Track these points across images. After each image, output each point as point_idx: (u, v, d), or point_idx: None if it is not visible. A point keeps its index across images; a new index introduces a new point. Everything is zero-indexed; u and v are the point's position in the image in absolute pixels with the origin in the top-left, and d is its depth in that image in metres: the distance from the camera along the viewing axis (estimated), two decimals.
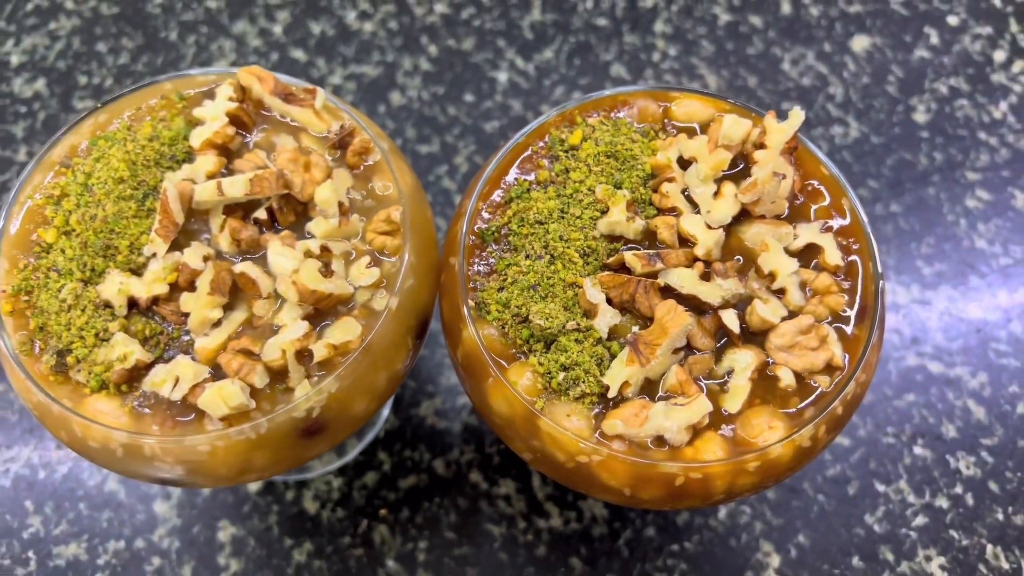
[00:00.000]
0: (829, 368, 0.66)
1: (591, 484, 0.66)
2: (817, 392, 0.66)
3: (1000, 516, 0.93)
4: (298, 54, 1.17)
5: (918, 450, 0.96)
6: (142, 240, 0.68)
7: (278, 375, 0.66)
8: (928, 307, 1.03)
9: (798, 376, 0.66)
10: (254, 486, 0.94)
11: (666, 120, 0.76)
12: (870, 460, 0.96)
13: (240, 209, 0.71)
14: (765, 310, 0.66)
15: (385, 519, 0.93)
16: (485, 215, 0.72)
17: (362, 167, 0.73)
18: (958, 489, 0.94)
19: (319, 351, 0.65)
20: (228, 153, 0.73)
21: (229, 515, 0.93)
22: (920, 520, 0.93)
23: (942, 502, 0.94)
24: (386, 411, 0.97)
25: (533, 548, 0.92)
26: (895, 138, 1.12)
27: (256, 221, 0.70)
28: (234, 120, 0.73)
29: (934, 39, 1.18)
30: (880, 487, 0.94)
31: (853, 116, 1.13)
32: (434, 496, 0.94)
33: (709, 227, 0.69)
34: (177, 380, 0.64)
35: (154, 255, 0.68)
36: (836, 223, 0.72)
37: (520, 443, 0.67)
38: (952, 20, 1.20)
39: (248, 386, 0.64)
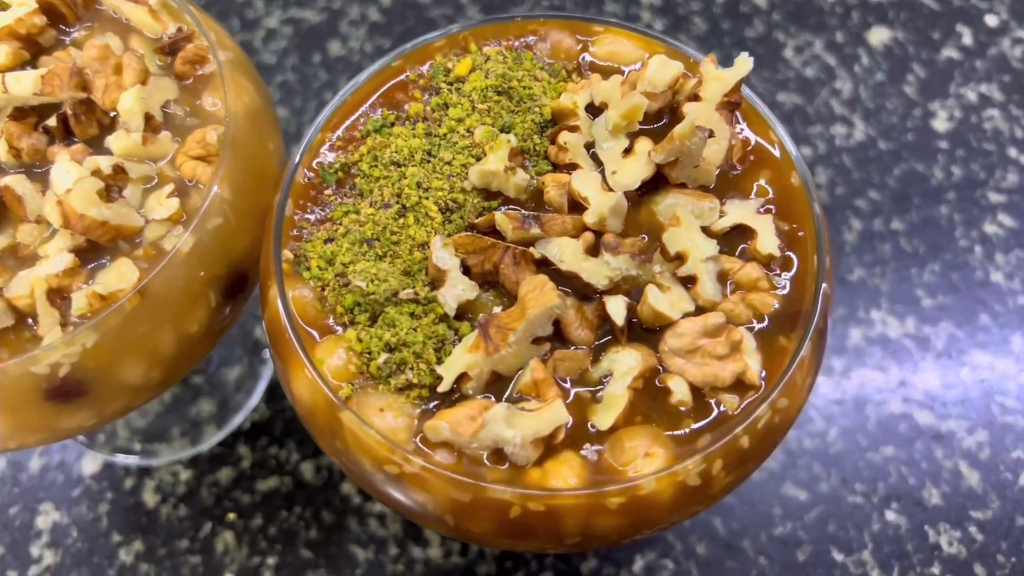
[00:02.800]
0: (740, 385, 0.50)
1: (406, 504, 0.50)
2: (717, 414, 0.49)
3: None
4: None
5: (891, 515, 0.78)
6: None
7: (27, 316, 0.51)
8: (924, 345, 0.85)
9: (696, 391, 0.50)
10: (89, 467, 0.80)
11: (584, 58, 0.60)
12: (829, 521, 0.78)
13: (35, 116, 0.57)
14: (660, 300, 0.50)
15: (233, 525, 0.78)
16: (328, 154, 0.57)
17: (192, 78, 0.59)
18: (935, 569, 0.76)
19: (79, 300, 0.51)
20: (37, 49, 0.60)
21: (55, 498, 0.79)
22: None
23: None
24: (255, 398, 0.82)
25: None
26: (907, 145, 0.95)
27: (47, 130, 0.56)
28: (48, 9, 0.59)
29: (967, 39, 1.01)
30: (838, 556, 0.77)
31: (860, 116, 0.96)
32: (295, 505, 0.79)
33: (609, 190, 0.53)
34: None
35: None
36: (778, 205, 0.55)
37: (325, 442, 0.52)
38: (991, 20, 1.02)
39: None
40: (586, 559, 0.77)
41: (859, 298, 0.87)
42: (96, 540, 0.78)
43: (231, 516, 0.78)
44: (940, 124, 0.96)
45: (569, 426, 0.49)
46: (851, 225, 0.90)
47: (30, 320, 0.52)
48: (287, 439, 0.81)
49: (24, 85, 0.55)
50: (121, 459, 0.80)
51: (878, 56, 1.00)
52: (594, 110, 0.58)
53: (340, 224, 0.54)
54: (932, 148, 0.95)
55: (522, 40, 0.60)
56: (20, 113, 0.57)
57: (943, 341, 0.85)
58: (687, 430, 0.49)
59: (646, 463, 0.48)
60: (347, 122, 0.57)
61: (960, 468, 0.80)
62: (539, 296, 0.49)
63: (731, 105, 0.56)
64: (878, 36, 1.01)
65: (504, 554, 0.77)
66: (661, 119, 0.57)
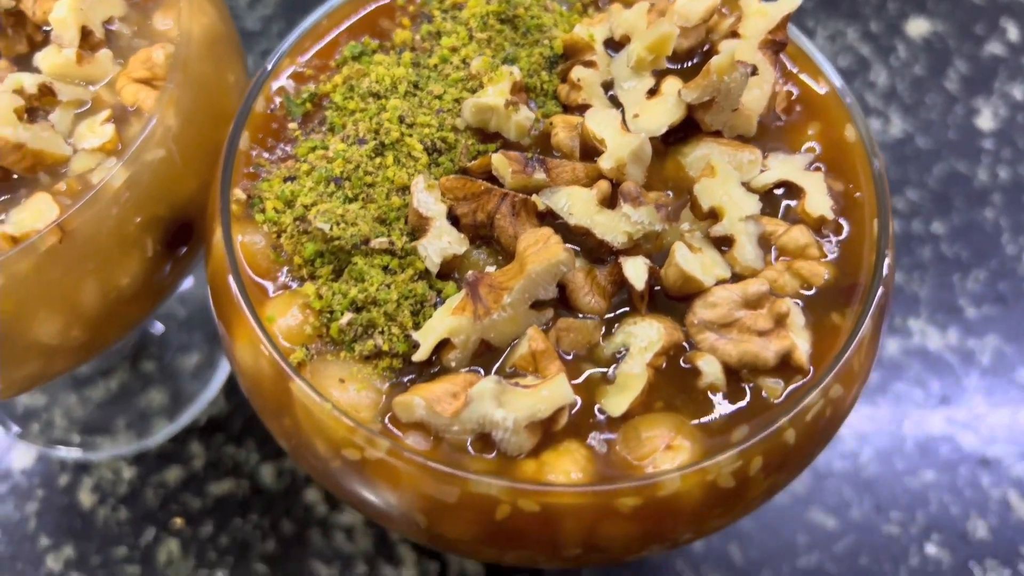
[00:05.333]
0: (784, 368, 0.40)
1: (369, 496, 0.40)
2: (757, 402, 0.40)
3: None
4: None
5: (931, 549, 0.68)
6: None
7: None
8: (969, 360, 0.76)
9: (731, 373, 0.40)
10: (21, 460, 0.70)
11: None
12: (861, 553, 0.68)
13: None
14: (690, 261, 0.41)
15: (179, 532, 0.68)
16: (295, 84, 0.48)
17: None
18: None
19: None
20: None
21: None
22: None
23: None
24: (213, 390, 0.72)
25: None
26: (948, 144, 0.86)
27: None
28: None
29: (1012, 34, 0.93)
30: None
31: (897, 110, 0.88)
32: (251, 512, 0.69)
33: (628, 131, 0.44)
34: None
35: None
36: (830, 163, 0.46)
37: (272, 421, 0.42)
38: None
39: None
40: None
41: (896, 305, 0.78)
42: (21, 543, 0.68)
43: (178, 522, 0.68)
44: (984, 122, 0.88)
45: (574, 410, 0.39)
46: None
47: None
48: (246, 437, 0.72)
49: None
50: (59, 452, 0.70)
51: (917, 49, 0.92)
52: (614, 47, 0.49)
53: (304, 162, 0.45)
54: (976, 147, 0.86)
55: None
56: None
57: (989, 356, 0.76)
58: (719, 419, 0.39)
59: (668, 457, 0.38)
60: (319, 46, 0.48)
61: (1009, 498, 0.70)
62: (542, 250, 0.40)
63: (776, 45, 0.47)
64: (916, 28, 0.93)
65: (489, 574, 0.67)
66: (692, 59, 0.49)
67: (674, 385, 0.40)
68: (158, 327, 0.75)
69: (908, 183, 0.84)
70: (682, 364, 0.41)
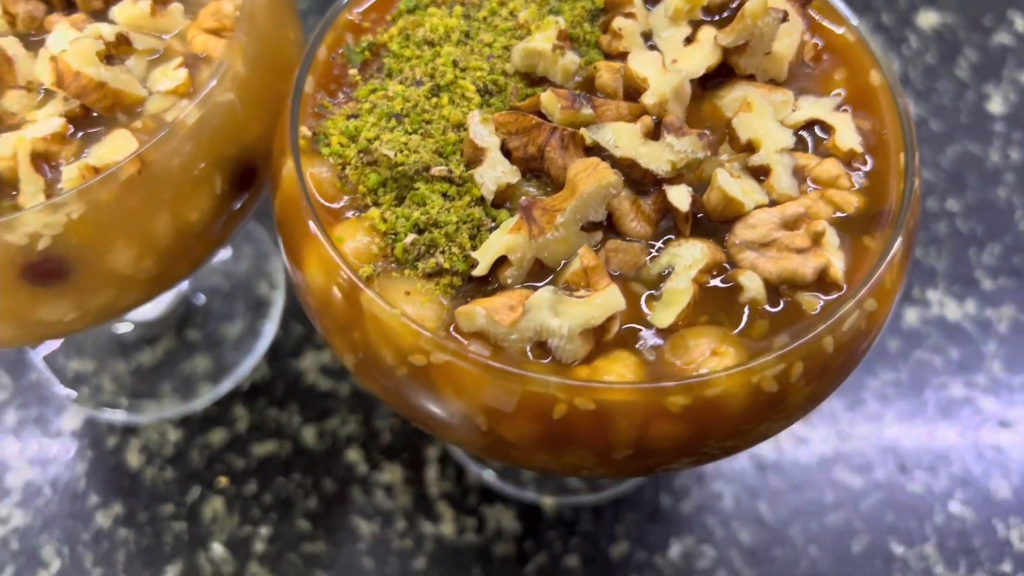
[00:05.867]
0: (821, 284, 0.43)
1: (431, 403, 0.43)
2: (796, 315, 0.42)
3: None
4: None
5: (955, 507, 0.70)
6: None
7: (7, 186, 0.45)
8: (987, 329, 0.78)
9: (772, 289, 0.43)
10: (70, 423, 0.73)
11: None
12: (887, 511, 0.70)
13: None
14: (731, 184, 0.44)
15: (224, 491, 0.70)
16: (350, 36, 0.51)
17: None
18: (1006, 567, 0.68)
19: (70, 172, 0.45)
20: None
21: (30, 455, 0.71)
22: None
23: None
24: (256, 356, 0.75)
25: (410, 558, 0.68)
26: (960, 127, 0.89)
27: (47, 1, 0.51)
28: None
29: (1020, 25, 0.96)
30: (897, 548, 0.68)
31: (910, 96, 0.91)
32: (294, 472, 0.71)
33: (669, 71, 0.47)
34: None
35: None
36: (856, 106, 0.49)
37: (339, 337, 0.45)
38: None
39: None
40: (616, 542, 0.69)
41: (914, 276, 0.80)
42: (72, 501, 0.70)
43: (222, 481, 0.71)
44: (995, 107, 0.91)
45: (623, 326, 0.42)
46: None
47: (12, 191, 0.45)
48: (288, 401, 0.74)
49: None
50: (106, 414, 0.72)
51: (928, 39, 0.95)
52: (651, 2, 0.52)
53: (366, 102, 0.48)
54: (987, 130, 0.89)
55: None
56: None
57: (1007, 326, 0.78)
58: (760, 330, 0.42)
59: (714, 362, 0.41)
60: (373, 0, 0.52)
61: None
62: (592, 173, 0.43)
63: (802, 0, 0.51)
64: (927, 19, 0.97)
65: (525, 532, 0.69)
66: (723, 12, 0.52)
67: (717, 303, 0.43)
68: (200, 298, 0.78)
69: (922, 164, 0.87)
70: (723, 284, 0.43)
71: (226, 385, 0.74)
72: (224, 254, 0.80)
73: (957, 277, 0.81)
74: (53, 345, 0.76)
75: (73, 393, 0.73)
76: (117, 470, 0.71)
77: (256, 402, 0.74)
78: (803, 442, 0.73)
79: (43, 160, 0.45)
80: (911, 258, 0.46)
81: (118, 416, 0.72)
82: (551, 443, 0.42)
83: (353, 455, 0.72)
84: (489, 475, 0.71)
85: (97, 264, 0.46)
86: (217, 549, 0.68)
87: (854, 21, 0.52)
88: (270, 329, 0.76)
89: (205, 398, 0.73)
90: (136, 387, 0.74)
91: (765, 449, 0.72)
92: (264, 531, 0.69)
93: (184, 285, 0.77)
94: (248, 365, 0.75)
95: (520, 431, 0.41)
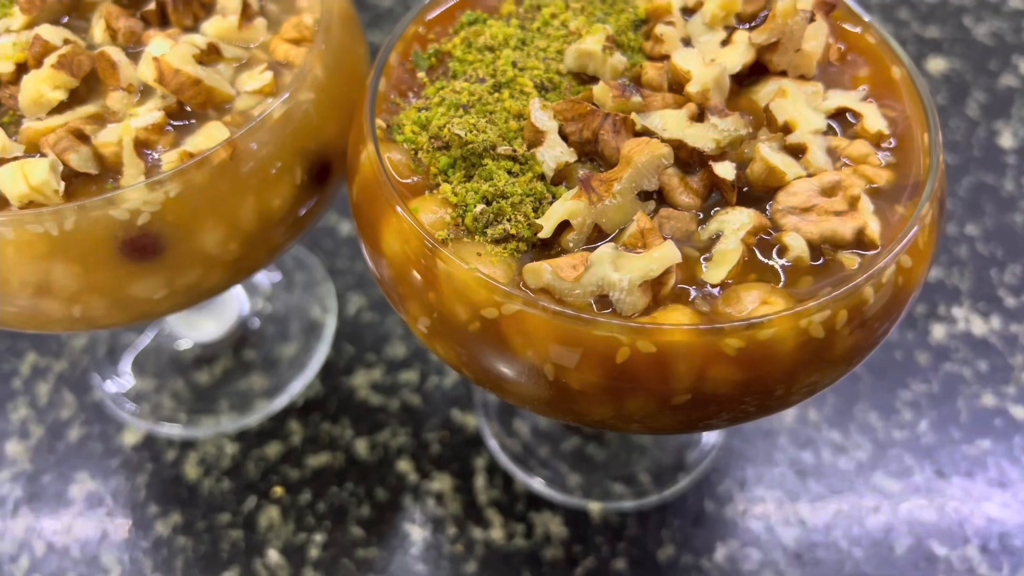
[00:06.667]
0: (859, 243, 0.47)
1: (501, 357, 0.46)
2: (837, 271, 0.46)
3: None
4: None
5: (994, 509, 0.72)
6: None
7: (111, 168, 0.50)
8: (1012, 343, 0.81)
9: (814, 248, 0.46)
10: (131, 438, 0.75)
11: None
12: (927, 513, 0.71)
13: (135, 8, 0.58)
14: (773, 155, 0.48)
15: (279, 500, 0.72)
16: (417, 46, 0.56)
17: None
18: None
19: (169, 157, 0.49)
20: None
21: (92, 467, 0.74)
22: None
23: None
24: (310, 374, 0.78)
25: (461, 562, 0.69)
26: (974, 160, 0.94)
27: (144, 18, 0.57)
28: None
29: None
30: (940, 549, 0.70)
31: None
32: (347, 481, 0.73)
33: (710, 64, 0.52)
34: None
35: (8, 30, 0.55)
36: (880, 98, 0.54)
37: (415, 302, 0.48)
38: None
39: (64, 166, 0.48)
40: (663, 546, 0.70)
41: (938, 295, 0.84)
42: (133, 510, 0.72)
43: (278, 491, 0.73)
44: (1006, 141, 0.95)
45: (678, 281, 0.45)
46: None
47: (116, 175, 0.50)
48: (341, 415, 0.77)
49: None
50: (165, 428, 0.75)
51: (937, 82, 1.01)
52: (688, 14, 0.57)
53: (434, 98, 0.53)
54: (1000, 162, 0.94)
55: None
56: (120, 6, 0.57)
57: None
58: (807, 288, 0.45)
59: (765, 309, 0.44)
60: (437, 12, 0.57)
61: None
62: (645, 147, 0.47)
63: (827, 7, 0.56)
64: (935, 65, 1.03)
65: (573, 537, 0.70)
66: (754, 21, 0.57)
67: (764, 262, 0.46)
68: (255, 322, 0.82)
69: None
70: (770, 243, 0.47)
71: (281, 401, 0.77)
72: (278, 279, 0.84)
73: (981, 295, 0.84)
74: (119, 369, 0.79)
75: (134, 407, 0.76)
76: (176, 482, 0.74)
77: (310, 417, 0.77)
78: (841, 450, 0.75)
79: (143, 147, 0.50)
80: (940, 227, 0.50)
81: (176, 431, 0.75)
82: (614, 390, 0.45)
83: (404, 465, 0.74)
84: (537, 483, 0.73)
85: (188, 242, 0.50)
86: (273, 556, 0.70)
87: (876, 24, 0.56)
88: (323, 349, 0.80)
89: (260, 413, 0.76)
90: (194, 404, 0.77)
91: (804, 456, 0.74)
92: (319, 538, 0.71)
93: (244, 309, 0.81)
94: (302, 383, 0.78)
95: (585, 378, 0.44)
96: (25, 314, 0.51)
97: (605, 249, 0.45)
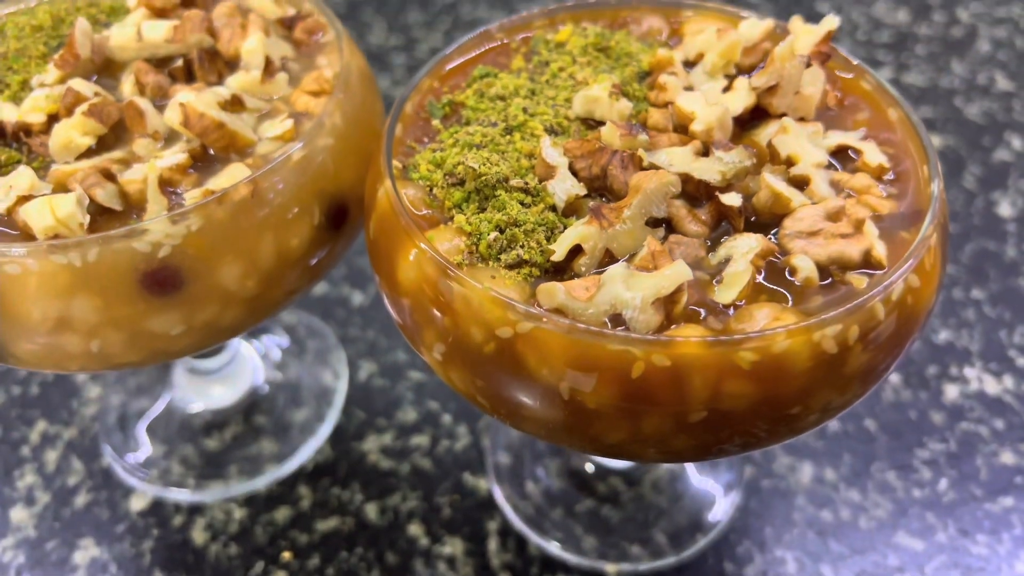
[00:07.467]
0: (867, 264, 0.47)
1: (516, 379, 0.46)
2: (847, 291, 0.46)
3: None
4: None
5: (1023, 567, 0.69)
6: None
7: (135, 206, 0.51)
8: None
9: (822, 270, 0.47)
10: (137, 504, 0.74)
11: (674, 39, 0.64)
12: (954, 572, 0.69)
13: (162, 67, 0.61)
14: (778, 183, 0.49)
15: (287, 565, 0.71)
16: (432, 98, 0.59)
17: (308, 45, 0.62)
18: None
19: (192, 195, 0.51)
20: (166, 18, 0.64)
21: (97, 533, 0.73)
22: None
23: None
24: (320, 439, 0.78)
25: None
26: (975, 228, 0.96)
27: (171, 75, 0.59)
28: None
29: (1017, 144, 1.05)
30: None
31: None
32: (357, 546, 0.72)
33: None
34: (9, 190, 0.50)
35: (42, 84, 0.57)
36: (878, 138, 0.56)
37: (430, 329, 0.49)
38: None
39: (90, 200, 0.50)
40: None
41: (949, 357, 0.84)
42: None
43: (286, 556, 0.71)
44: (1004, 211, 0.97)
45: (690, 301, 0.46)
46: None
47: (139, 211, 0.51)
48: (351, 480, 0.76)
49: (157, 31, 0.59)
50: (173, 493, 0.74)
51: None
52: (689, 66, 0.60)
53: (448, 140, 0.55)
54: (1000, 230, 0.95)
55: (618, 21, 0.64)
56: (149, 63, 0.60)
57: None
58: (816, 304, 0.46)
59: (777, 325, 0.44)
60: (451, 65, 0.60)
61: None
62: (653, 176, 0.49)
63: (822, 56, 0.58)
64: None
65: None
66: (753, 72, 0.59)
67: (773, 284, 0.47)
68: (265, 388, 0.82)
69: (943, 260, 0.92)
70: (779, 267, 0.48)
71: (290, 466, 0.76)
72: (290, 346, 0.85)
73: (992, 356, 0.84)
74: (129, 435, 0.79)
75: (144, 472, 0.75)
76: (183, 547, 0.72)
77: (320, 482, 0.76)
78: (860, 509, 0.73)
79: (167, 185, 0.52)
80: (945, 253, 0.51)
81: (184, 496, 0.74)
82: (630, 408, 0.45)
83: (415, 529, 0.73)
84: (553, 546, 0.71)
85: (207, 278, 0.51)
86: None
87: (871, 70, 0.59)
88: (333, 415, 0.79)
89: (270, 478, 0.75)
90: (203, 469, 0.76)
91: (823, 515, 0.73)
92: None
93: (259, 378, 0.81)
94: (312, 447, 0.77)
95: (600, 396, 0.44)
96: (44, 351, 0.51)
97: (617, 268, 0.45)
